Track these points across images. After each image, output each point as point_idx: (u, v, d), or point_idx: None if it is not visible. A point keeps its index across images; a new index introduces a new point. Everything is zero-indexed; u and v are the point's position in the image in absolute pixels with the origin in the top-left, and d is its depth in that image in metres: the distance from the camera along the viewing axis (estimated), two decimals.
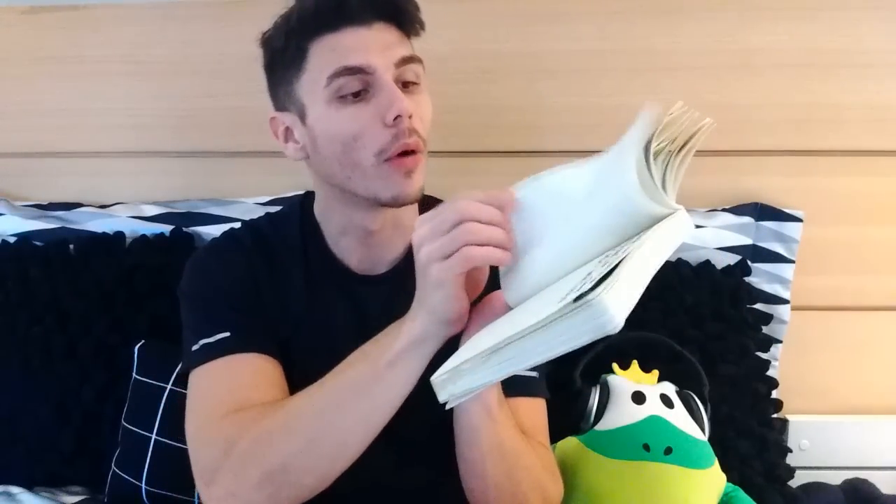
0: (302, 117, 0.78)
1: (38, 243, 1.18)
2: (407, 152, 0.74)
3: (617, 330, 0.43)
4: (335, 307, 0.86)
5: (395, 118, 0.72)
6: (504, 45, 1.20)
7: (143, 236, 1.19)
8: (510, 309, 0.62)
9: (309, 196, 0.90)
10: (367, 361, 0.69)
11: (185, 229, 1.19)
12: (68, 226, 1.19)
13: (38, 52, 1.25)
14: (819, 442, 1.26)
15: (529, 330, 0.47)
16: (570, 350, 0.46)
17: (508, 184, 1.33)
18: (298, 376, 0.81)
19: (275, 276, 0.85)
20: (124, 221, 1.20)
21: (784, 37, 1.18)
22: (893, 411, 1.28)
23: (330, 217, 0.86)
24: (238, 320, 0.80)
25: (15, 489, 1.09)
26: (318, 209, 0.87)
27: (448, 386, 0.55)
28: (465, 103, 1.21)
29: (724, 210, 1.20)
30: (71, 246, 1.17)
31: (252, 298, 0.83)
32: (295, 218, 0.89)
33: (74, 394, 1.10)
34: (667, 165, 0.53)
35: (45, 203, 1.25)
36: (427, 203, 0.88)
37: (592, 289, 0.44)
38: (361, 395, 0.69)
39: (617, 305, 0.43)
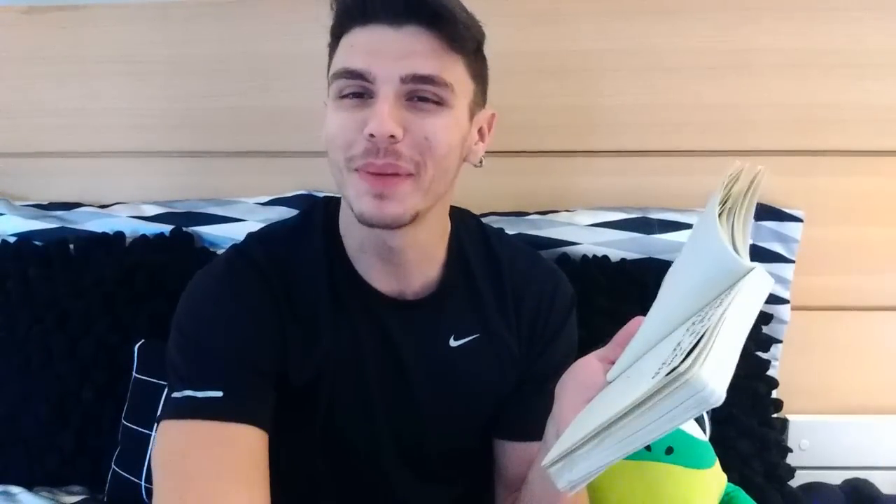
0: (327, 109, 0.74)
1: (38, 243, 1.18)
2: (378, 174, 0.68)
3: (720, 402, 0.42)
4: (363, 335, 0.79)
5: (370, 135, 0.66)
6: (505, 45, 1.20)
7: (143, 236, 1.18)
8: (608, 383, 0.61)
9: (330, 204, 0.83)
10: None
11: (185, 229, 1.18)
12: (68, 225, 1.19)
13: (37, 51, 1.25)
14: (819, 442, 1.26)
15: (631, 409, 0.46)
16: (682, 424, 0.45)
17: (506, 183, 1.34)
18: (325, 412, 0.79)
19: (298, 305, 0.77)
20: (124, 221, 1.20)
21: (784, 37, 1.18)
22: (893, 411, 1.28)
23: (349, 227, 0.79)
24: (235, 378, 0.71)
25: (15, 489, 1.08)
26: (341, 218, 0.80)
27: (565, 473, 0.53)
28: None
29: None
30: (71, 246, 1.17)
31: (264, 343, 0.74)
32: (317, 229, 0.81)
33: (74, 393, 1.10)
34: (733, 224, 0.52)
35: (45, 203, 1.25)
36: (461, 219, 0.85)
37: (683, 360, 0.43)
38: None
39: (714, 378, 0.41)
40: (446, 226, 0.83)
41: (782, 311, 1.19)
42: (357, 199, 0.70)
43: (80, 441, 1.10)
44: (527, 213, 1.20)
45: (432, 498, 0.87)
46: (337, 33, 0.72)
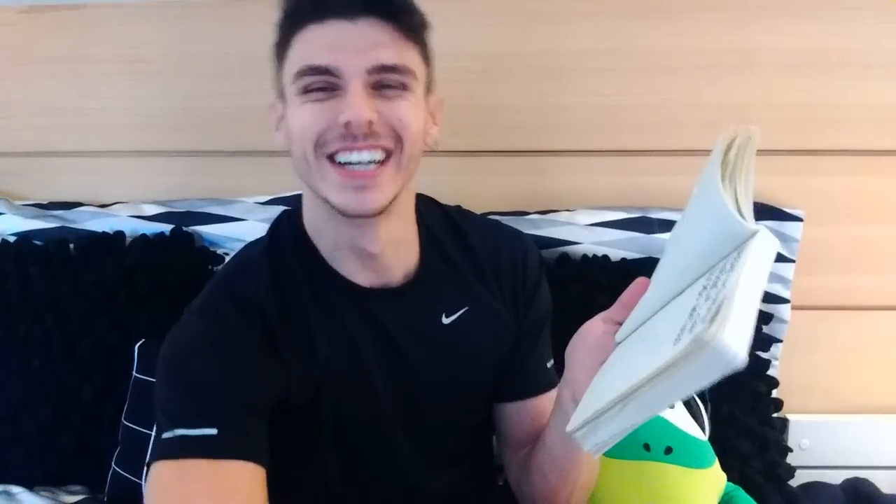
0: (284, 104, 0.74)
1: (38, 243, 1.18)
2: (359, 171, 0.70)
3: (743, 366, 0.44)
4: (357, 333, 0.80)
5: (347, 123, 0.68)
6: (504, 45, 1.20)
7: (143, 235, 1.18)
8: (616, 344, 0.63)
9: (291, 216, 0.83)
10: None
11: (185, 229, 1.18)
12: (68, 225, 1.19)
13: (38, 51, 1.25)
14: (819, 441, 1.26)
15: (656, 375, 0.48)
16: (705, 387, 0.47)
17: (506, 183, 1.34)
18: (332, 412, 0.79)
19: (292, 326, 0.77)
20: (124, 221, 1.20)
21: (784, 36, 1.18)
22: (893, 411, 1.28)
23: (320, 228, 0.80)
24: (228, 414, 0.70)
25: (15, 488, 1.09)
26: (307, 221, 0.81)
27: (590, 437, 0.56)
28: (465, 103, 1.21)
29: None
30: (71, 245, 1.17)
31: (254, 377, 0.73)
32: (287, 243, 0.81)
33: (74, 393, 1.10)
34: (736, 187, 0.52)
35: (45, 202, 1.25)
36: (423, 205, 0.86)
37: (706, 326, 0.44)
38: None
39: (737, 342, 0.43)
40: (413, 212, 0.84)
41: (782, 310, 1.19)
42: (335, 191, 0.71)
43: (80, 441, 1.10)
44: (527, 213, 1.20)
45: (445, 480, 0.89)
46: (288, 32, 0.72)
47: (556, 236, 1.16)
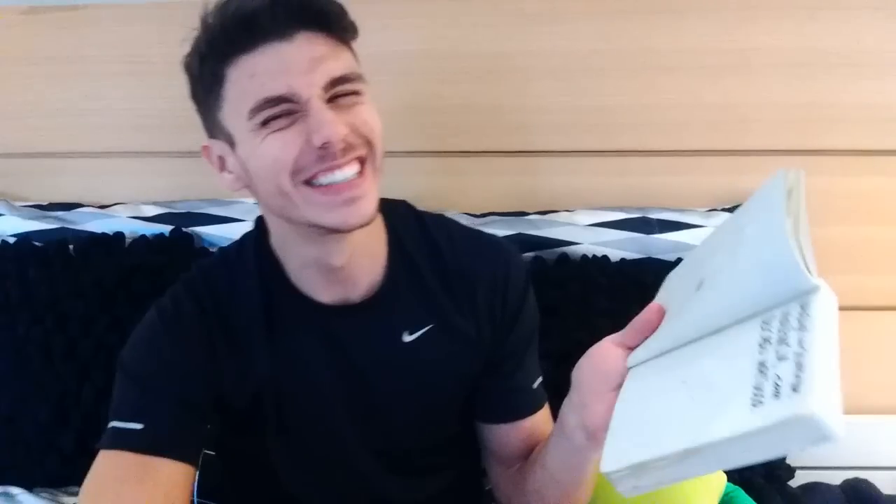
0: (232, 146, 0.71)
1: (37, 243, 1.18)
2: (343, 185, 0.68)
3: (838, 443, 0.42)
4: (309, 351, 0.80)
5: (323, 144, 0.66)
6: (504, 45, 1.20)
7: (143, 236, 1.18)
8: (628, 369, 0.61)
9: (263, 225, 0.82)
10: None
11: (184, 229, 1.18)
12: (68, 226, 1.19)
13: (37, 52, 1.25)
14: None
15: (735, 438, 0.45)
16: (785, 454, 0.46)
17: (507, 183, 1.34)
18: (279, 426, 0.80)
19: (232, 333, 0.78)
20: (124, 222, 1.19)
21: (783, 37, 1.18)
22: (893, 411, 1.28)
23: (287, 249, 0.78)
24: (159, 412, 0.72)
25: (15, 490, 1.09)
26: (275, 238, 0.80)
27: (630, 480, 0.53)
28: (465, 103, 1.21)
29: (723, 210, 1.20)
30: (71, 246, 1.17)
31: (194, 376, 0.75)
32: (249, 256, 0.81)
33: (74, 394, 1.10)
34: (798, 236, 0.50)
35: (45, 203, 1.24)
36: (397, 213, 0.84)
37: (802, 398, 0.43)
38: None
39: (836, 416, 0.41)
40: (378, 219, 0.81)
41: None
42: (324, 212, 0.69)
43: (80, 442, 1.10)
44: (526, 213, 1.20)
45: (420, 490, 0.88)
46: (216, 68, 0.67)
47: (556, 236, 1.16)
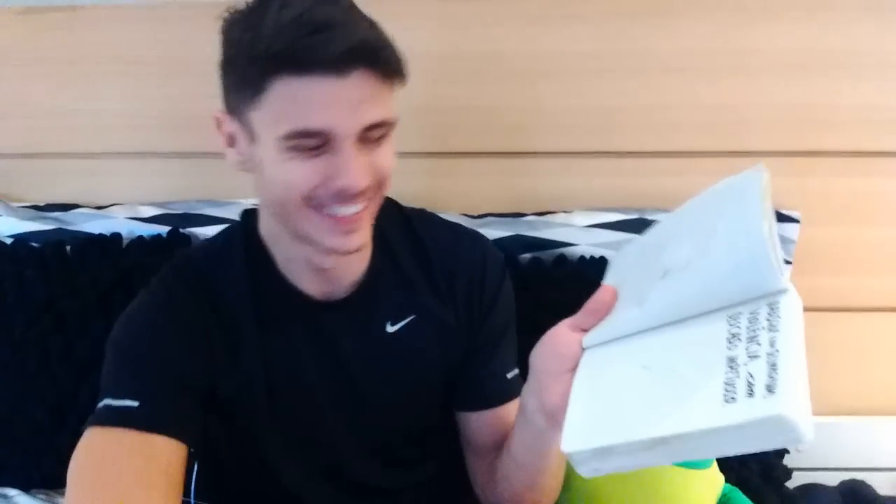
0: (252, 139, 0.71)
1: (34, 244, 1.17)
2: (346, 218, 0.71)
3: (807, 445, 0.43)
4: (297, 341, 0.82)
5: (343, 189, 0.68)
6: (504, 45, 1.20)
7: (140, 237, 1.18)
8: (583, 349, 0.62)
9: (251, 215, 0.83)
10: None
11: (182, 230, 1.18)
12: (65, 227, 1.19)
13: (34, 52, 1.25)
14: (817, 443, 1.24)
15: (707, 432, 0.46)
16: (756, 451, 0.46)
17: (505, 184, 1.34)
18: (268, 418, 0.81)
19: (223, 320, 0.79)
20: (121, 222, 1.19)
21: (782, 37, 1.18)
22: (893, 412, 1.28)
23: (278, 242, 0.80)
24: (153, 387, 0.72)
25: (11, 491, 1.08)
26: (265, 230, 0.81)
27: (592, 462, 0.53)
28: (464, 103, 1.21)
29: None
30: (67, 247, 1.17)
31: (189, 357, 0.76)
32: (237, 246, 0.82)
33: (71, 395, 1.10)
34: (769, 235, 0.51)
35: (42, 204, 1.24)
36: (382, 209, 0.82)
37: (777, 399, 0.43)
38: None
39: (807, 422, 0.43)
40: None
41: None
42: (323, 235, 0.72)
43: (77, 443, 1.09)
44: (524, 214, 1.20)
45: (403, 481, 0.91)
46: (264, 71, 0.65)
47: (553, 238, 1.16)
